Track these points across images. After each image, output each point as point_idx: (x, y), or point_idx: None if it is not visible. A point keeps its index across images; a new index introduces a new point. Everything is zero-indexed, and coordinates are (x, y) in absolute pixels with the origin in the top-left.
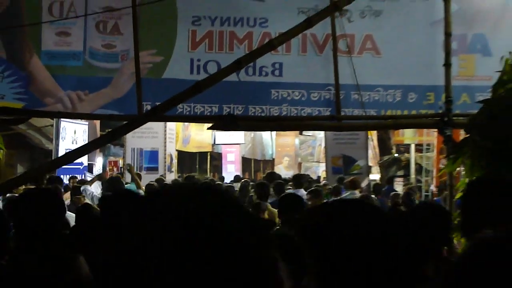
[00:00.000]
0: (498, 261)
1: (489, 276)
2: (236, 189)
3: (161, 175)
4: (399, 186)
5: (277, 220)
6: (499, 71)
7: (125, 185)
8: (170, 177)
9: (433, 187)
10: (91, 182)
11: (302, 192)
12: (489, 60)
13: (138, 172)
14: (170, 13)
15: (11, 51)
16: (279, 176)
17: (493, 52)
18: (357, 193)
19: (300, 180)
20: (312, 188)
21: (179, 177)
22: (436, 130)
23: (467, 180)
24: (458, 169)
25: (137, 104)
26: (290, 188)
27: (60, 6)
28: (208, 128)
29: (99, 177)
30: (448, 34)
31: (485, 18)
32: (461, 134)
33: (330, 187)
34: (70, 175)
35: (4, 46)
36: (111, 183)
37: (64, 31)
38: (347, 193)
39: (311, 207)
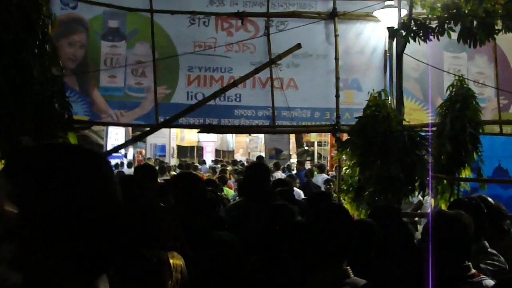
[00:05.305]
0: None
1: None
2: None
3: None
4: (307, 165)
5: None
6: (366, 100)
7: None
8: (173, 161)
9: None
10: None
11: None
12: (361, 94)
13: (149, 157)
14: (175, 64)
15: (82, 86)
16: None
17: (363, 89)
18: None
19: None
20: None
21: (178, 161)
22: (330, 133)
23: (348, 163)
24: (343, 156)
25: (155, 118)
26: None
27: (111, 60)
28: (197, 132)
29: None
30: (337, 78)
31: (358, 69)
32: (345, 136)
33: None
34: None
35: (78, 83)
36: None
37: (113, 75)
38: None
39: None
